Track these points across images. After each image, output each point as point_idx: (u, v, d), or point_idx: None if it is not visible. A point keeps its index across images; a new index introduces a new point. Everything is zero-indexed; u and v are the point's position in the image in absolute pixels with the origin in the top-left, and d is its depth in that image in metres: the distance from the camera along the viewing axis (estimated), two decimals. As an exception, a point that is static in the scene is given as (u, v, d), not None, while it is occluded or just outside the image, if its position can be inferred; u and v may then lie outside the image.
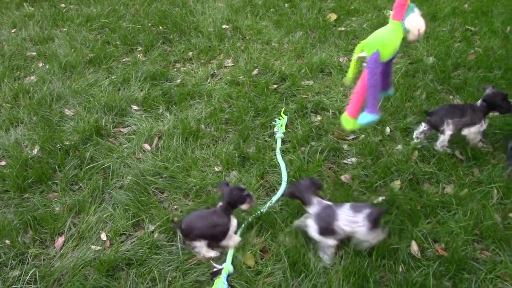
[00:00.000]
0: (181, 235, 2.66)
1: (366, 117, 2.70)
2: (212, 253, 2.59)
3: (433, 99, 3.63)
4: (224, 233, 2.57)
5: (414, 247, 2.50)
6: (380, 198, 2.81)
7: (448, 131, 3.10)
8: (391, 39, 2.66)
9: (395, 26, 2.65)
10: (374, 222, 2.38)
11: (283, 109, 3.65)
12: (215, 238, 2.58)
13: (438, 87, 3.81)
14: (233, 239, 2.60)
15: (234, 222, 2.60)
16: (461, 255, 2.41)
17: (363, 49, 2.69)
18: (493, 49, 4.24)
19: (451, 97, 3.69)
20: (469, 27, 4.70)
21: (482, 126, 3.06)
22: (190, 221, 2.60)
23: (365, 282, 2.33)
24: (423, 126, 3.21)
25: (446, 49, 4.28)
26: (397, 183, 2.93)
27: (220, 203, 2.63)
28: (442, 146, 3.13)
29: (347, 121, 2.80)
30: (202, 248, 2.59)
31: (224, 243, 2.60)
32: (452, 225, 2.58)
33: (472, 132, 3.06)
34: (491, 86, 3.09)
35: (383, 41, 2.64)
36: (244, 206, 2.64)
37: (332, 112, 3.67)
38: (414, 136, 3.25)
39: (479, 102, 3.08)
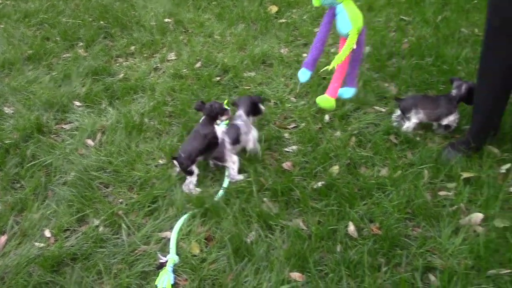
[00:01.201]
0: (181, 167, 2.95)
1: (349, 92, 3.23)
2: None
3: (369, 86, 3.78)
4: (215, 139, 3.01)
5: (351, 227, 2.62)
6: (320, 183, 2.93)
7: (414, 119, 3.26)
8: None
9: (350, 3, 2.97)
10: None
11: (226, 100, 3.70)
12: (212, 148, 3.01)
13: (374, 75, 3.97)
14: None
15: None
16: (394, 233, 2.55)
17: (358, 32, 2.97)
18: (425, 38, 4.44)
19: (386, 84, 3.85)
20: (404, 17, 4.91)
21: (457, 115, 3.24)
22: (185, 148, 2.97)
23: (305, 263, 2.43)
24: (398, 111, 3.36)
25: (382, 38, 4.46)
26: (335, 168, 3.05)
27: (202, 120, 3.09)
28: (406, 131, 3.30)
29: (328, 101, 3.08)
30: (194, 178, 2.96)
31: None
32: (386, 205, 2.72)
33: (452, 120, 3.23)
34: (458, 78, 3.27)
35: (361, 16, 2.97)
36: (223, 117, 3.12)
37: (274, 102, 3.76)
38: (392, 119, 3.42)
39: (454, 92, 3.23)
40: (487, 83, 2.91)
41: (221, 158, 3.04)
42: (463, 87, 3.20)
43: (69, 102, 3.85)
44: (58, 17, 5.23)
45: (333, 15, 3.02)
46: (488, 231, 2.56)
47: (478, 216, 2.64)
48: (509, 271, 2.32)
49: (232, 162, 3.03)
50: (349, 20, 2.93)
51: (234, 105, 3.30)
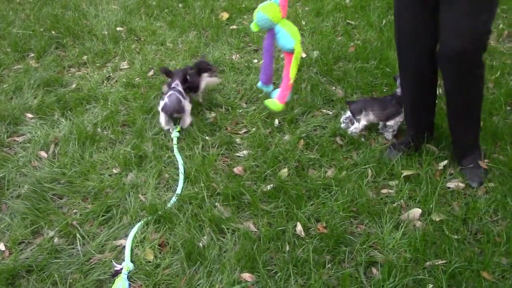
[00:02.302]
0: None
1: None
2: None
3: (317, 90, 3.92)
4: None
5: (299, 227, 2.75)
6: (269, 186, 3.04)
7: (363, 121, 3.40)
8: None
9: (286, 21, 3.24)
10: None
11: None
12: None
13: (321, 79, 4.12)
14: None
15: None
16: (339, 231, 2.69)
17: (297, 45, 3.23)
18: (370, 42, 4.63)
19: (333, 88, 4.01)
20: (350, 21, 5.08)
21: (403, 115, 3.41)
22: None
23: (255, 263, 2.54)
24: (348, 113, 3.49)
25: (329, 43, 4.62)
26: (284, 171, 3.17)
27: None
28: (352, 132, 3.44)
29: (277, 106, 3.34)
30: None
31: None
32: (332, 204, 2.87)
33: (397, 122, 3.39)
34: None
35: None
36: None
37: (225, 108, 3.86)
38: (341, 121, 3.55)
39: (398, 91, 3.37)
40: (406, 84, 3.14)
41: (181, 109, 3.58)
42: None
43: (21, 114, 3.85)
44: (8, 28, 5.20)
45: (273, 36, 3.23)
46: (426, 225, 2.74)
47: (416, 211, 2.81)
48: (444, 261, 2.49)
49: (187, 111, 3.65)
50: (290, 36, 3.20)
51: (168, 75, 3.83)
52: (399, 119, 3.38)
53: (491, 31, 2.68)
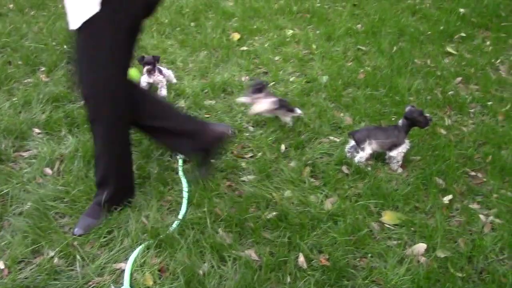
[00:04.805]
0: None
1: None
2: None
3: (324, 117, 3.91)
4: None
5: (301, 258, 2.72)
6: (273, 213, 3.02)
7: (368, 150, 3.38)
8: None
9: None
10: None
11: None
12: None
13: (330, 105, 4.11)
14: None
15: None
16: (342, 264, 2.66)
17: None
18: (380, 68, 4.62)
19: (341, 114, 3.99)
20: (361, 47, 5.09)
21: (407, 145, 3.38)
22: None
23: (255, 294, 2.51)
24: (352, 142, 3.48)
25: (339, 68, 4.62)
26: (288, 192, 3.16)
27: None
28: (359, 161, 3.41)
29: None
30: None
31: None
32: (335, 235, 2.83)
33: (400, 153, 3.37)
34: (410, 105, 3.43)
35: None
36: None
37: (232, 131, 3.84)
38: (346, 150, 3.53)
39: (400, 122, 3.39)
40: None
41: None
42: (409, 113, 3.36)
43: (29, 129, 3.85)
44: (21, 41, 5.24)
45: None
46: (430, 261, 2.70)
47: (421, 247, 2.78)
48: (447, 301, 2.45)
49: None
50: None
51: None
52: (402, 149, 3.36)
53: None
